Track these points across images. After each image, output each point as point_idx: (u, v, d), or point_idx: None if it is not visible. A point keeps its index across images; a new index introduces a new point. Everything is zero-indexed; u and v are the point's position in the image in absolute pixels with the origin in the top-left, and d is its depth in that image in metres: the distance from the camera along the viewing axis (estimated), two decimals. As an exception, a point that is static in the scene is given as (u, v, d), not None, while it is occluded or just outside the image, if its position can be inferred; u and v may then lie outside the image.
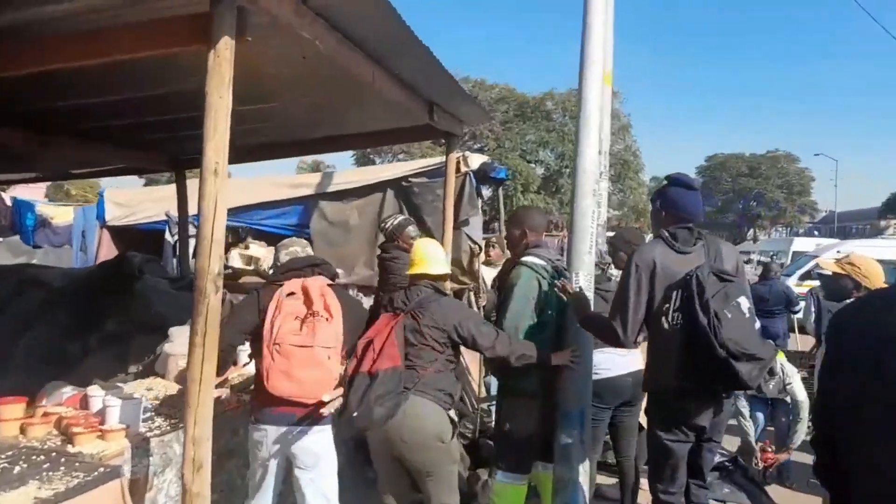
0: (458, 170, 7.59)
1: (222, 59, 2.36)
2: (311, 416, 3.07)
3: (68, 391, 3.35)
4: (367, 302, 5.31)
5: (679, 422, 2.89)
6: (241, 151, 6.54)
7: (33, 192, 30.37)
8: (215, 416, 3.19)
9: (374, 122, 5.64)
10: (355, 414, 2.96)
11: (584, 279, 3.58)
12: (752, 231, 54.10)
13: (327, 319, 3.07)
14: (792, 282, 14.76)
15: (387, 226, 5.22)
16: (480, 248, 7.98)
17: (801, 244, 21.18)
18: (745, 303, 2.81)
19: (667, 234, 3.00)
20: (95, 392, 3.12)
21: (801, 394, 5.14)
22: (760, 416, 5.49)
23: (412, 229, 5.07)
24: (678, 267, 2.88)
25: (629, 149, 31.83)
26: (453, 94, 4.85)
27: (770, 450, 5.38)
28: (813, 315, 5.62)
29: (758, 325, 2.89)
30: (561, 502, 3.43)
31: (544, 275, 3.54)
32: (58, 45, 2.73)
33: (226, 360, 3.20)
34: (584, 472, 3.48)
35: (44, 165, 6.57)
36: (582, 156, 3.79)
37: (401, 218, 5.32)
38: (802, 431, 5.16)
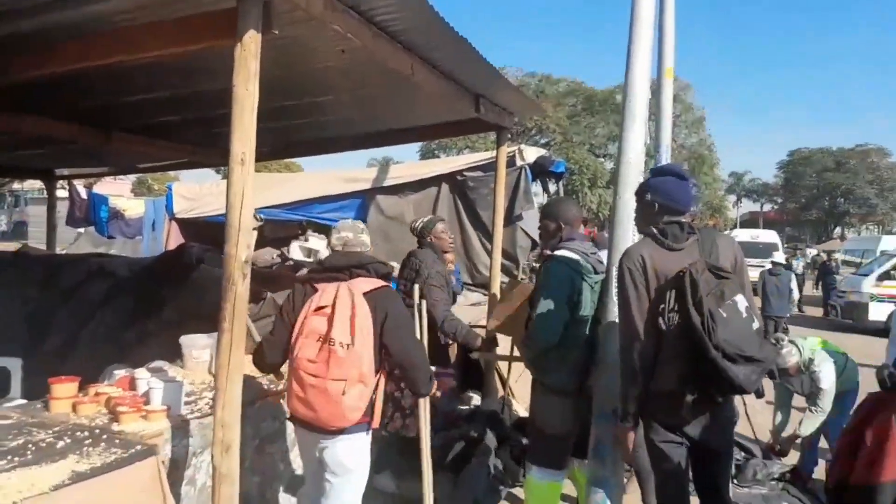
0: (513, 163, 7.59)
1: (248, 52, 2.42)
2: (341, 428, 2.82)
3: (121, 373, 3.53)
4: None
5: (672, 426, 2.76)
6: (299, 145, 6.76)
7: (120, 188, 32.12)
8: (254, 403, 3.35)
9: (423, 117, 5.69)
10: None
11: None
12: (839, 229, 51.38)
13: (347, 347, 2.72)
14: (870, 282, 14.09)
15: (416, 225, 4.64)
16: (535, 243, 7.92)
17: (890, 243, 19.90)
18: (742, 301, 2.62)
19: (654, 230, 2.82)
20: (141, 374, 3.27)
21: (827, 382, 4.72)
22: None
23: (441, 226, 4.58)
24: (670, 265, 2.71)
25: (703, 143, 30.80)
26: (499, 86, 4.82)
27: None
28: None
29: (757, 324, 2.67)
30: (593, 500, 3.35)
31: (578, 269, 3.45)
32: (97, 42, 2.89)
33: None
34: (618, 470, 3.39)
35: (113, 160, 6.98)
36: (626, 145, 3.67)
37: (430, 216, 4.77)
38: (814, 423, 4.79)
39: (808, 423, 4.83)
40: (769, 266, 11.12)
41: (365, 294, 2.84)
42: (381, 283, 2.96)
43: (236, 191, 2.47)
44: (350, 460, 2.90)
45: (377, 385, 2.91)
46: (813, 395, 4.81)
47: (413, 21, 3.27)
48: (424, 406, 3.67)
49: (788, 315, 11.28)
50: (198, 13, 2.62)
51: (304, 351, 2.78)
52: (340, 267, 2.94)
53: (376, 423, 2.95)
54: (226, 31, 2.46)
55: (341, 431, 2.81)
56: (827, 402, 4.75)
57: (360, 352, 2.74)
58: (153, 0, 2.64)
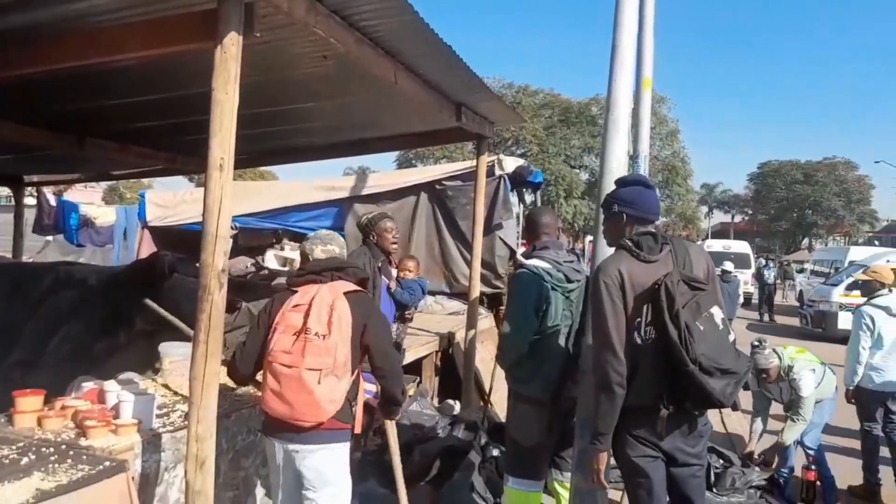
0: (492, 173, 7.58)
1: (229, 55, 2.35)
2: (318, 434, 2.77)
3: (90, 385, 3.40)
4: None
5: (648, 441, 2.70)
6: (279, 152, 6.68)
7: (91, 196, 31.46)
8: (229, 415, 3.25)
9: (405, 125, 5.66)
10: None
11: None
12: (807, 240, 52.47)
13: (323, 337, 2.72)
14: (839, 291, 14.41)
15: (361, 221, 4.42)
16: (514, 252, 7.90)
17: (858, 253, 20.27)
18: (718, 313, 2.59)
19: (628, 242, 2.73)
20: (111, 387, 3.15)
21: (807, 390, 4.78)
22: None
23: (387, 223, 4.31)
24: (645, 278, 2.64)
25: (677, 154, 31.23)
26: (481, 95, 4.80)
27: (813, 468, 5.12)
28: None
29: (732, 336, 2.65)
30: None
31: (546, 278, 3.37)
32: (73, 43, 2.79)
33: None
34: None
35: (86, 166, 6.80)
36: (609, 155, 3.65)
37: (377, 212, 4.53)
38: (796, 431, 4.85)
39: (789, 431, 4.88)
40: (720, 273, 12.12)
41: (346, 293, 2.85)
42: (359, 287, 2.99)
43: (214, 197, 2.40)
44: (330, 470, 2.83)
45: (356, 391, 2.89)
46: (794, 404, 4.85)
47: (397, 26, 3.23)
48: (391, 430, 3.63)
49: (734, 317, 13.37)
50: (178, 14, 2.55)
51: (280, 344, 2.77)
52: (321, 270, 2.95)
53: (358, 428, 2.93)
54: (206, 34, 2.39)
55: (319, 437, 2.76)
56: (808, 410, 4.81)
57: (335, 342, 2.73)
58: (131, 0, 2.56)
